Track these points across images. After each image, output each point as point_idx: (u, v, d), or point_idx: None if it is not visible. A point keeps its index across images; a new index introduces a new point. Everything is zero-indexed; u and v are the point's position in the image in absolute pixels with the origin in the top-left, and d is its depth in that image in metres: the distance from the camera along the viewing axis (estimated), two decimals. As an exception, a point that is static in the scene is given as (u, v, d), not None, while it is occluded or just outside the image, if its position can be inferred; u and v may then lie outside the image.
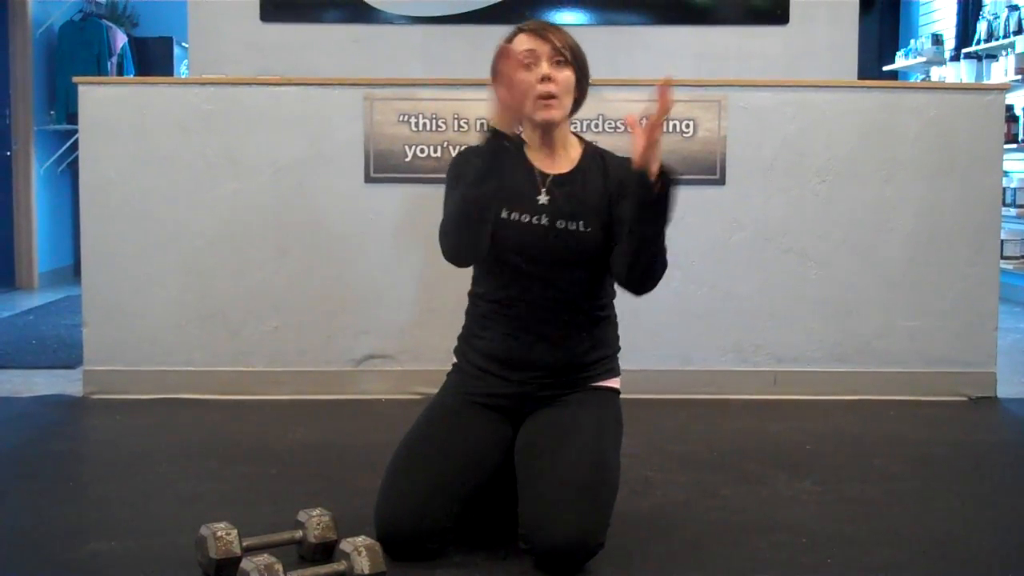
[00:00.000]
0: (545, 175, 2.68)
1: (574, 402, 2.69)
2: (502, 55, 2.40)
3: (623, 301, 2.81)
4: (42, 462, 3.47)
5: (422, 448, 2.59)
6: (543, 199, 2.65)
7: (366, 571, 2.26)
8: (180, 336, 4.33)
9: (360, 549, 2.27)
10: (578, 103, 2.71)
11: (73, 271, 8.32)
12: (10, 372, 4.86)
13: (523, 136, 2.70)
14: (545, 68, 2.61)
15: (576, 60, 2.67)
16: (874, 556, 2.64)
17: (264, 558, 2.19)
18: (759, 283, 4.43)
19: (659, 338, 4.42)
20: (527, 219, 2.63)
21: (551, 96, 2.61)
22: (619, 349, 2.86)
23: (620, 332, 2.87)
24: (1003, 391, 4.47)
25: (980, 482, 3.36)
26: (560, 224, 2.63)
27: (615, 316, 2.84)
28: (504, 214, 2.62)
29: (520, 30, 2.68)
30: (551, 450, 2.55)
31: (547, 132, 2.68)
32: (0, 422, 3.98)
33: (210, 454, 3.40)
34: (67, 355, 5.17)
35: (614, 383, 2.81)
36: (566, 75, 2.64)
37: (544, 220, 2.63)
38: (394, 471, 2.56)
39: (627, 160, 2.54)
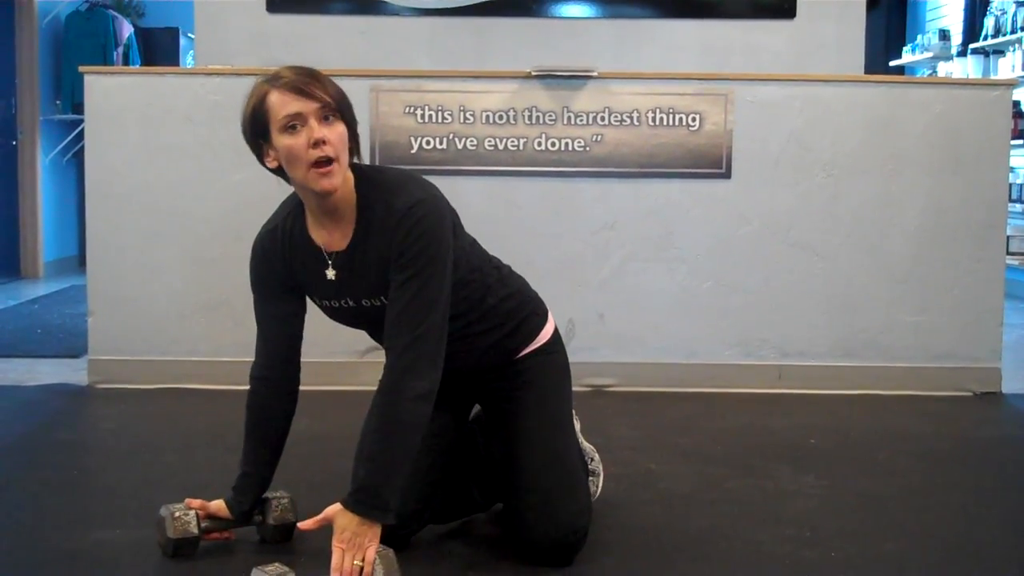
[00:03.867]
0: (330, 254, 2.40)
1: (518, 387, 2.58)
2: None
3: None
4: (47, 451, 3.48)
5: None
6: (335, 279, 2.41)
7: None
8: (185, 326, 4.34)
9: (375, 558, 2.25)
10: (354, 152, 2.36)
11: (78, 261, 8.34)
12: (15, 361, 4.87)
13: (304, 205, 2.42)
14: (315, 129, 2.26)
15: (344, 107, 2.33)
16: (878, 550, 2.64)
17: (276, 567, 2.19)
18: (764, 277, 4.43)
19: (664, 331, 4.41)
20: (336, 304, 2.46)
21: (329, 161, 2.28)
22: (530, 306, 2.63)
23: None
24: (1008, 386, 4.47)
25: (984, 477, 3.35)
26: (365, 303, 2.42)
27: (504, 289, 2.58)
28: (317, 300, 2.49)
29: (272, 86, 2.30)
30: (514, 455, 2.52)
31: (324, 199, 2.33)
32: (5, 411, 3.98)
33: (215, 444, 3.40)
34: (72, 344, 5.18)
35: (540, 341, 2.62)
36: (339, 131, 2.30)
37: (348, 302, 2.44)
38: None
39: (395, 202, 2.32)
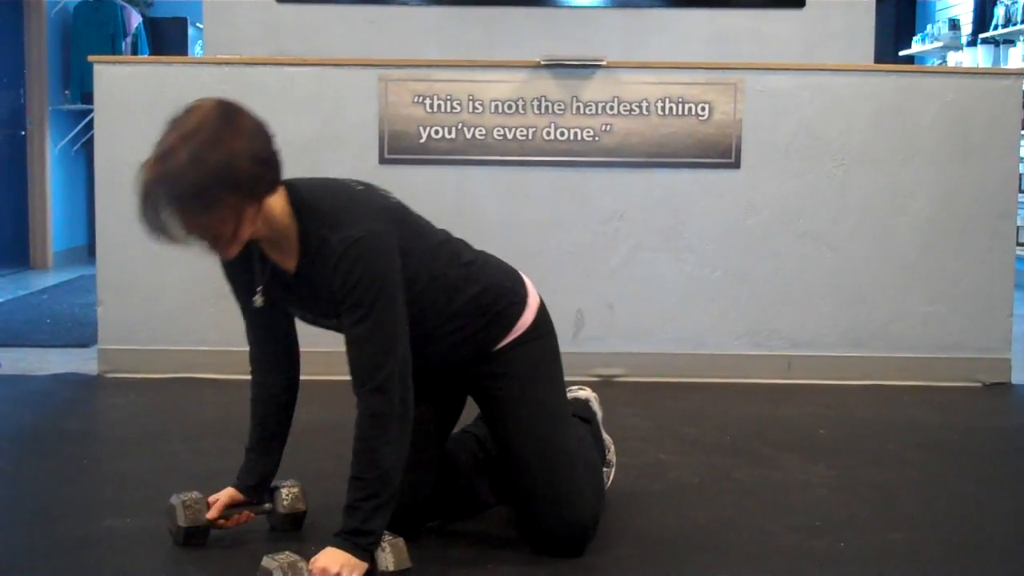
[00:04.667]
0: (282, 271, 2.38)
1: (501, 381, 2.53)
2: None
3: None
4: (58, 440, 3.49)
5: None
6: (288, 295, 2.42)
7: (390, 568, 2.24)
8: (194, 315, 4.35)
9: (384, 546, 2.26)
10: (255, 194, 2.21)
11: (87, 251, 8.36)
12: (25, 350, 4.88)
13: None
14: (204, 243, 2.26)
15: (191, 210, 2.17)
16: (887, 540, 2.64)
17: (286, 556, 2.19)
18: (773, 267, 4.42)
19: (673, 322, 4.41)
20: (296, 312, 2.49)
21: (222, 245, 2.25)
22: (505, 297, 2.54)
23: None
24: (1017, 377, 4.46)
25: (994, 467, 3.35)
26: (323, 321, 2.42)
27: (473, 287, 2.49)
28: (282, 305, 2.47)
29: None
30: (511, 451, 2.52)
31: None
32: (15, 400, 4.00)
33: (224, 433, 3.41)
34: (81, 334, 5.19)
35: (519, 330, 2.54)
36: (203, 225, 2.20)
37: (308, 316, 2.46)
38: None
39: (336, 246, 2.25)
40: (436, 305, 2.44)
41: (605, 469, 2.84)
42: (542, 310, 2.62)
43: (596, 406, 2.95)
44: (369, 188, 2.43)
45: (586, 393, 2.98)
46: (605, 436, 2.91)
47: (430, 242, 2.46)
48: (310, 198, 2.32)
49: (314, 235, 2.29)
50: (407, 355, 2.30)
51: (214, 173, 2.13)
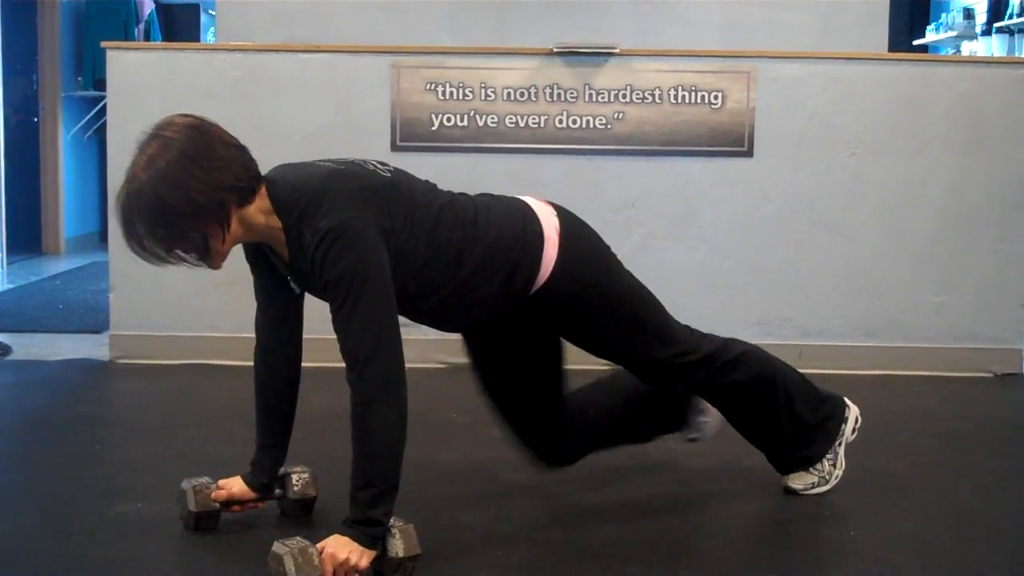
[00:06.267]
0: (287, 262, 2.42)
1: (562, 324, 2.65)
2: None
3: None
4: (70, 425, 3.50)
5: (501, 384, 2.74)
6: (289, 279, 2.49)
7: (400, 554, 2.25)
8: (206, 302, 4.36)
9: (394, 532, 2.26)
10: (222, 217, 2.25)
11: (99, 237, 8.37)
12: (37, 336, 4.90)
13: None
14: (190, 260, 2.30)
15: (164, 236, 2.23)
16: (897, 529, 2.64)
17: (297, 541, 2.19)
18: (785, 256, 4.41)
19: (683, 310, 4.33)
20: (302, 290, 2.52)
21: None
22: (519, 242, 2.49)
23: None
24: (1029, 367, 4.45)
25: (1005, 457, 3.34)
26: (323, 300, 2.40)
27: (480, 246, 2.45)
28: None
29: None
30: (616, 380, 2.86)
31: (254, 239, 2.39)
32: (28, 385, 4.01)
33: (235, 419, 3.41)
34: (93, 320, 5.21)
35: (547, 268, 2.52)
36: (192, 251, 2.27)
37: (311, 294, 2.47)
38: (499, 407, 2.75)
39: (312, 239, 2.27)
40: (447, 272, 2.42)
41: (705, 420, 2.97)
42: (565, 229, 2.57)
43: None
44: (351, 168, 2.40)
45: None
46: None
47: (429, 211, 2.40)
48: (286, 195, 2.32)
49: (293, 230, 2.31)
50: (393, 338, 2.28)
51: (172, 203, 2.19)
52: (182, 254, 2.28)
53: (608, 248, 2.69)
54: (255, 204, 2.30)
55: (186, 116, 2.31)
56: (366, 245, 2.25)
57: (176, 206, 2.19)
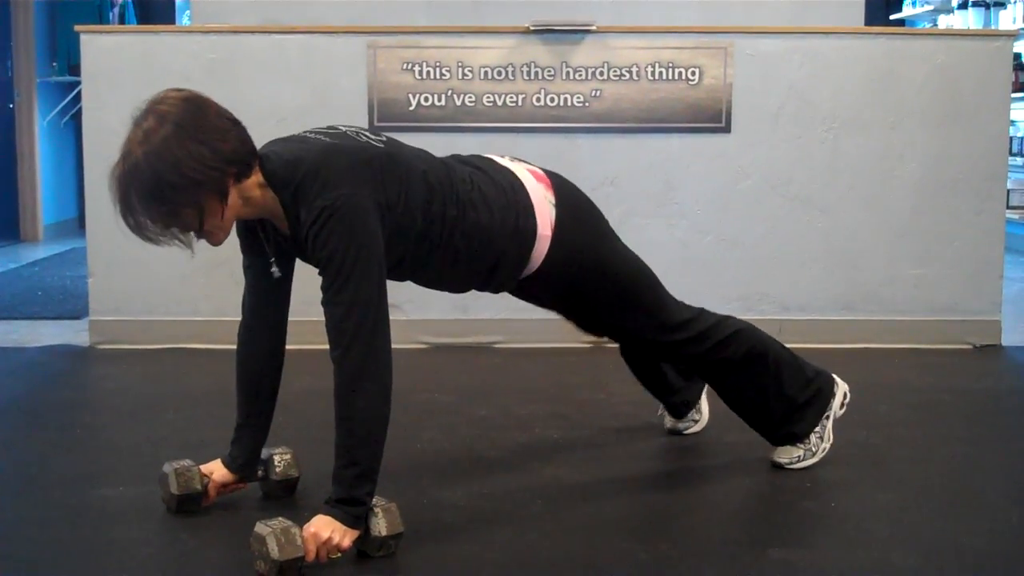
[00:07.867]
0: (285, 235, 2.41)
1: (562, 300, 2.75)
2: None
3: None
4: (50, 410, 3.49)
5: None
6: (286, 251, 2.48)
7: (383, 532, 2.26)
8: (186, 286, 4.34)
9: (377, 511, 2.27)
10: (220, 190, 2.23)
11: (77, 223, 8.32)
12: (16, 323, 4.88)
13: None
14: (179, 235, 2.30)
15: (159, 217, 2.24)
16: (877, 500, 2.66)
17: (279, 522, 2.19)
18: (764, 231, 4.42)
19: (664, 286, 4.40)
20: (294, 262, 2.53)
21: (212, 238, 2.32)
22: (512, 214, 2.51)
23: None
24: (1008, 339, 4.47)
25: (984, 428, 3.37)
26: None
27: (470, 219, 2.46)
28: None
29: None
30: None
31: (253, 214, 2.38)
32: (8, 371, 4.00)
33: (217, 402, 3.40)
34: (73, 306, 5.19)
35: (541, 249, 2.56)
36: (184, 222, 2.26)
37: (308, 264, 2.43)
38: None
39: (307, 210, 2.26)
40: (441, 248, 2.44)
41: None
42: (560, 221, 2.57)
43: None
44: (344, 141, 2.38)
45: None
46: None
47: (424, 183, 2.40)
48: (282, 170, 2.30)
49: (290, 206, 2.30)
50: (380, 319, 2.27)
51: (169, 178, 2.16)
52: (179, 232, 2.27)
53: (605, 225, 2.74)
54: (252, 179, 2.29)
55: (181, 90, 2.28)
56: (360, 223, 2.24)
57: (173, 181, 2.17)
